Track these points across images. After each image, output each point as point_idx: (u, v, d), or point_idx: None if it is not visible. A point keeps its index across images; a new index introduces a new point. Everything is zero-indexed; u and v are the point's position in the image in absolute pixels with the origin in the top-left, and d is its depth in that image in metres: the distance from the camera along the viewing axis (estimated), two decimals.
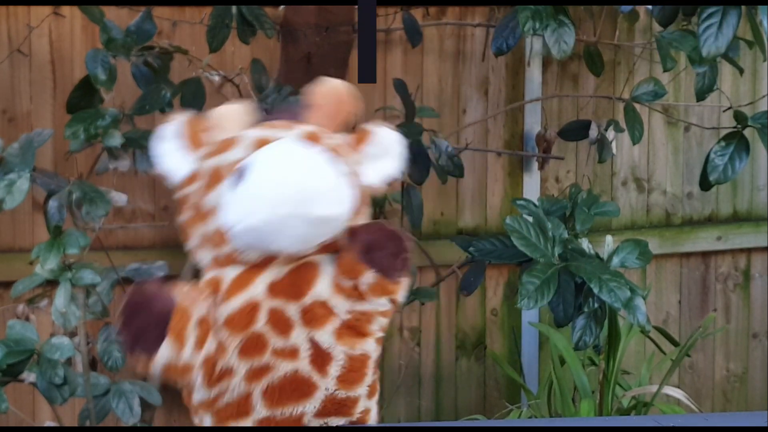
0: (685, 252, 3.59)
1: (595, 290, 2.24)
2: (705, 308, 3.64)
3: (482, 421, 3.03)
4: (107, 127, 2.42)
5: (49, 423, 2.73)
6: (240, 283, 1.32)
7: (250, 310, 1.30)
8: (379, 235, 1.33)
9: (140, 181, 3.00)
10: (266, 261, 1.31)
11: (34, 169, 2.33)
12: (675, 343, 3.19)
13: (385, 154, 1.40)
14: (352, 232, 1.33)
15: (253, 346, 1.30)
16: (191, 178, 1.36)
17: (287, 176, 1.27)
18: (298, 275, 1.32)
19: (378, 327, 1.36)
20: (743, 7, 2.26)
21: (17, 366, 2.28)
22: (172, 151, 1.37)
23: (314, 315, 1.31)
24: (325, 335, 1.31)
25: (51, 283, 2.40)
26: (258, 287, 1.31)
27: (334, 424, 1.32)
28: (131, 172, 2.62)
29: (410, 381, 3.36)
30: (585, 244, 2.47)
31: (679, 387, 3.27)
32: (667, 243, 3.54)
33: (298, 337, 1.30)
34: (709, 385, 3.66)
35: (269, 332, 1.30)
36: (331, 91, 1.41)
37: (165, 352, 1.31)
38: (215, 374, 1.31)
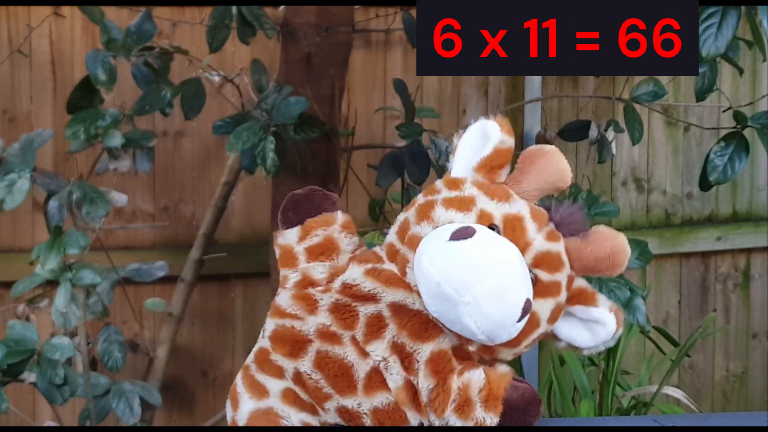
0: (685, 252, 3.59)
1: None
2: (705, 308, 3.64)
3: None
4: (107, 127, 2.43)
5: (49, 423, 2.73)
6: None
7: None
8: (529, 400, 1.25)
9: (140, 181, 3.00)
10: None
11: (34, 170, 2.33)
12: (675, 343, 3.19)
13: (590, 328, 1.30)
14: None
15: (342, 313, 1.29)
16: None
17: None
18: (421, 324, 1.28)
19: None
20: (743, 7, 2.26)
21: (17, 366, 2.28)
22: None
23: (403, 359, 1.28)
24: (395, 381, 1.28)
25: (51, 283, 2.41)
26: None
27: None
28: (131, 172, 2.62)
29: None
30: None
31: (678, 387, 3.27)
32: (667, 243, 3.55)
33: (377, 353, 1.28)
34: (709, 385, 3.66)
35: (362, 329, 1.29)
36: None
37: (290, 235, 1.33)
38: (300, 294, 1.31)
